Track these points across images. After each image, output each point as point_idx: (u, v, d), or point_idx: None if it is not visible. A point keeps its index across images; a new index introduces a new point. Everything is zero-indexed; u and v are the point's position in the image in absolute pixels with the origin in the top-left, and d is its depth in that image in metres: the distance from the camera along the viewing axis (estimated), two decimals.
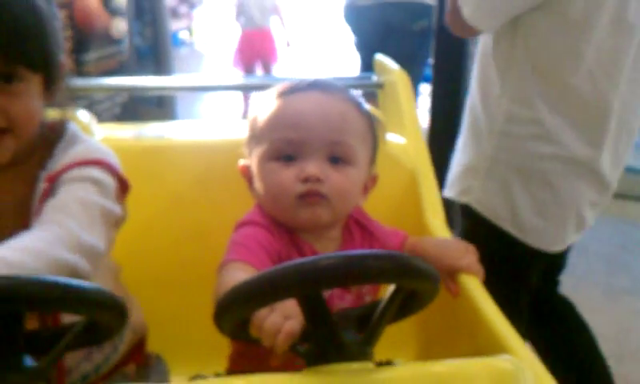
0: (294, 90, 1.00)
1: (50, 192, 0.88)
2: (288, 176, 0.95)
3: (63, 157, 0.91)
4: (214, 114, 5.27)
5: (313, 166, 0.94)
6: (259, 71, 5.00)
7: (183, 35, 8.11)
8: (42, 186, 0.89)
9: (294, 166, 0.95)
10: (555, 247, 1.49)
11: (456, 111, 2.44)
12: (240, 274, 0.85)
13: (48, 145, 0.93)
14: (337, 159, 0.96)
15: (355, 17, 3.42)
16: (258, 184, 1.00)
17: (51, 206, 0.86)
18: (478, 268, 1.00)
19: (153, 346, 1.11)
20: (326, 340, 0.69)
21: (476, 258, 1.01)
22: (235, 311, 0.71)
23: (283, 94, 1.00)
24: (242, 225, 0.99)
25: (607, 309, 2.62)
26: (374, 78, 1.33)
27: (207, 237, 1.12)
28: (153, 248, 1.16)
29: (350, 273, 0.66)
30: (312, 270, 0.66)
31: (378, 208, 1.09)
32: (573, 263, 2.91)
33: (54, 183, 0.89)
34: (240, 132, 1.07)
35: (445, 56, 2.53)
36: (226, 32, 6.05)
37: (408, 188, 1.19)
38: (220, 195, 1.18)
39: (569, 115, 1.36)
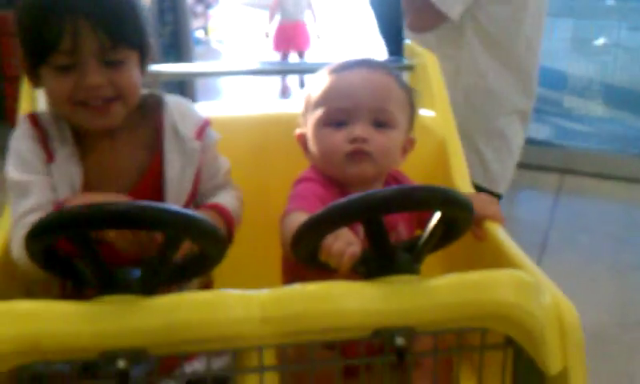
0: (345, 67, 1.19)
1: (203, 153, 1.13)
2: (339, 138, 1.14)
3: (185, 119, 1.13)
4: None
5: (360, 129, 1.13)
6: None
7: (199, 34, 8.31)
8: (192, 144, 1.11)
9: (344, 129, 1.14)
10: (506, 188, 1.86)
11: None
12: (302, 217, 1.03)
13: (155, 112, 1.12)
14: (380, 124, 1.15)
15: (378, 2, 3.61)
16: (313, 147, 1.19)
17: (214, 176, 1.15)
18: (501, 216, 1.17)
19: None
20: (383, 256, 0.87)
21: (498, 208, 1.19)
22: (312, 236, 0.89)
23: (335, 71, 1.19)
24: (299, 181, 1.18)
25: (613, 283, 2.77)
26: (405, 61, 1.51)
27: (266, 199, 1.28)
28: None
29: (406, 200, 0.84)
30: (375, 199, 0.84)
31: (411, 172, 1.28)
32: (580, 242, 3.09)
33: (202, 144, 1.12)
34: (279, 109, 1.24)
35: None
36: (241, 30, 6.31)
37: (438, 155, 1.37)
38: (275, 163, 1.36)
39: (513, 77, 1.78)
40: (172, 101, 1.16)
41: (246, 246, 1.22)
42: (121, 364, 0.81)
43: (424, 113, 1.41)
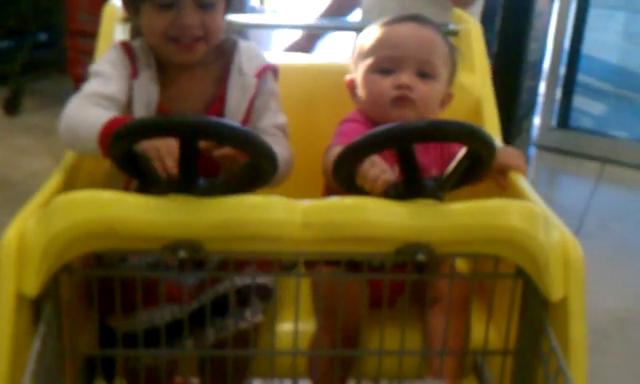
0: (396, 20, 1.32)
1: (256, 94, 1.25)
2: (386, 84, 1.28)
3: (251, 61, 1.26)
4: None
5: (405, 77, 1.26)
6: None
7: (254, 2, 8.45)
8: (250, 80, 1.24)
9: (392, 76, 1.27)
10: None
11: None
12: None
13: (228, 54, 1.27)
14: (424, 74, 1.28)
15: None
16: (361, 91, 1.32)
17: (265, 127, 1.25)
18: (525, 169, 1.28)
19: None
20: (411, 182, 1.00)
21: (524, 161, 1.30)
22: (352, 160, 1.02)
23: (387, 23, 1.32)
24: (344, 122, 1.31)
25: (621, 261, 2.90)
26: (451, 26, 1.62)
27: (313, 142, 1.37)
28: None
29: (436, 131, 0.97)
30: (407, 128, 0.97)
31: None
32: (613, 229, 3.16)
33: (259, 82, 1.25)
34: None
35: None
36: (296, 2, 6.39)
37: (474, 111, 1.48)
38: (324, 110, 1.48)
39: None
40: (245, 46, 1.29)
41: (294, 185, 1.33)
42: (181, 253, 0.95)
43: (464, 74, 1.53)
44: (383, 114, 1.28)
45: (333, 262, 1.18)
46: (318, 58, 1.65)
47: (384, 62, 1.29)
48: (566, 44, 3.92)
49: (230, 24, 1.35)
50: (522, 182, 1.24)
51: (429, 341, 1.22)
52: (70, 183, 1.14)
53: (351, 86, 1.36)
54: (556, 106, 4.00)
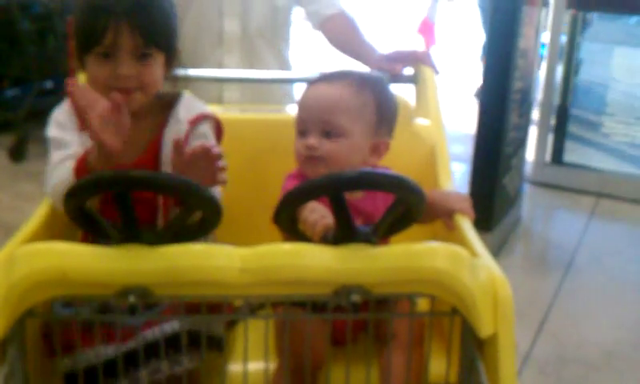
0: (313, 81, 1.41)
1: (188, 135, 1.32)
2: (300, 144, 1.37)
3: (188, 110, 1.35)
4: None
5: (311, 139, 1.35)
6: None
7: None
8: (183, 126, 1.33)
9: (303, 138, 1.36)
10: None
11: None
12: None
13: (169, 106, 1.36)
14: (329, 133, 1.35)
15: None
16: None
17: None
18: (470, 211, 1.36)
19: None
20: (345, 226, 1.08)
21: (470, 204, 1.37)
22: (289, 206, 1.10)
23: (309, 84, 1.41)
24: (288, 177, 1.41)
25: (635, 304, 2.92)
26: (406, 74, 1.72)
27: (268, 190, 1.43)
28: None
29: (364, 180, 1.06)
30: (338, 177, 1.06)
31: (402, 172, 1.47)
32: (606, 263, 3.20)
33: (192, 127, 1.33)
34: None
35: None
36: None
37: (428, 158, 1.57)
38: (277, 161, 1.54)
39: None
40: (187, 98, 1.39)
41: (252, 235, 1.38)
42: (131, 298, 1.04)
43: (419, 121, 1.62)
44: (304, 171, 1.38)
45: (293, 304, 1.26)
46: (269, 111, 1.77)
47: (298, 123, 1.39)
48: (558, 79, 4.00)
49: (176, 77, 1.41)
50: (466, 224, 1.32)
51: (383, 376, 1.30)
52: (37, 237, 1.24)
53: None
54: (549, 142, 4.06)
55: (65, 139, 1.30)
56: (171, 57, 1.34)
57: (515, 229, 3.54)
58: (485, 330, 1.09)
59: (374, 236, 1.10)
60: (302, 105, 1.39)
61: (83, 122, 1.29)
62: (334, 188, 1.06)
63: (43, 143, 1.71)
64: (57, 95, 4.32)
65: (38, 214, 1.29)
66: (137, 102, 1.30)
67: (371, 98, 1.39)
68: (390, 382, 1.27)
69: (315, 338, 1.25)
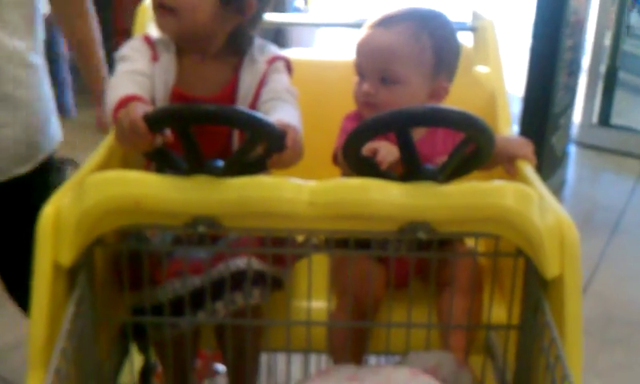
0: (370, 25, 1.38)
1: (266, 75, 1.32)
2: (358, 89, 1.37)
3: (263, 52, 1.35)
4: None
5: (367, 85, 1.35)
6: None
7: (299, 3, 8.56)
8: (260, 65, 1.33)
9: (361, 82, 1.36)
10: None
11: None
12: None
13: (243, 47, 1.35)
14: (386, 80, 1.34)
15: None
16: None
17: (276, 90, 1.31)
18: (533, 157, 1.34)
19: None
20: (411, 163, 1.08)
21: (532, 150, 1.36)
22: (356, 141, 1.10)
23: (367, 27, 1.38)
24: (346, 118, 1.41)
25: None
26: (467, 24, 1.69)
27: (329, 130, 1.44)
28: None
29: (432, 116, 1.05)
30: (406, 113, 1.05)
31: None
32: (625, 221, 3.15)
33: (268, 67, 1.33)
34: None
35: None
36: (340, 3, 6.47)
37: (488, 104, 1.55)
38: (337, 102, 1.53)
39: None
40: (259, 42, 1.38)
41: (310, 174, 1.41)
42: (200, 228, 1.05)
43: (479, 68, 1.60)
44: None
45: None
46: (331, 53, 1.75)
47: (357, 67, 1.38)
48: (607, 41, 3.92)
49: (268, 22, 1.41)
50: (529, 170, 1.30)
51: (442, 319, 1.30)
52: (105, 165, 1.25)
53: None
54: (597, 104, 4.00)
55: (133, 55, 1.30)
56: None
57: (562, 189, 3.51)
58: (551, 270, 1.08)
59: (439, 175, 1.09)
60: (360, 50, 1.37)
61: (155, 55, 1.32)
62: (402, 123, 1.05)
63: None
64: None
65: (105, 144, 1.31)
66: (169, 26, 1.29)
67: (430, 43, 1.36)
68: (451, 327, 1.27)
69: (376, 279, 1.26)
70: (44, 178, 1.62)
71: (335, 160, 1.36)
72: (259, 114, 1.08)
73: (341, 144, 1.33)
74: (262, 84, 1.33)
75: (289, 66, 1.39)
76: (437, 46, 1.37)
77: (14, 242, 1.57)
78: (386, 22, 1.37)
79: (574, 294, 1.09)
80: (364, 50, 1.37)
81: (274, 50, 1.39)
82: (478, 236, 1.14)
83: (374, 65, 1.34)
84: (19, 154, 1.55)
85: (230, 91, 1.33)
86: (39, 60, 1.59)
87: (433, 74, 1.37)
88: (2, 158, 1.52)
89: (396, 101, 1.33)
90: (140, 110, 1.07)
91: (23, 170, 1.57)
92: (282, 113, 1.21)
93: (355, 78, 1.39)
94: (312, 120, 1.32)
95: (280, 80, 1.34)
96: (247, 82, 1.32)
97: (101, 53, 1.75)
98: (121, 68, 1.28)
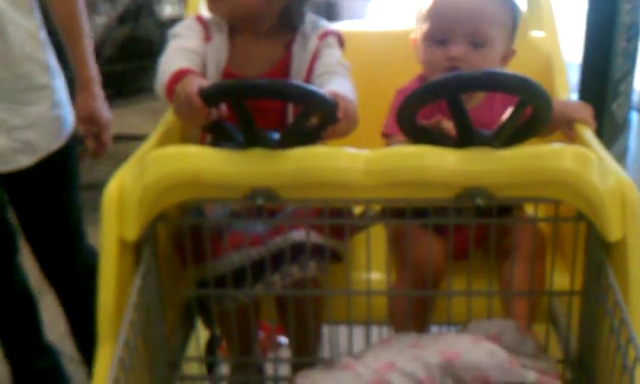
0: None
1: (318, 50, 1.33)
2: (439, 55, 1.33)
3: (315, 28, 1.35)
4: None
5: (456, 49, 1.31)
6: None
7: None
8: (312, 41, 1.33)
9: (444, 47, 1.32)
10: None
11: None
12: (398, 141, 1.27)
13: (294, 24, 1.36)
14: (477, 43, 1.32)
15: None
16: (420, 56, 1.38)
17: (329, 63, 1.32)
18: (592, 121, 1.32)
19: None
20: (465, 129, 1.07)
21: (591, 113, 1.33)
22: (410, 107, 1.09)
23: None
24: (398, 93, 1.39)
25: None
26: None
27: (382, 102, 1.42)
28: None
29: (485, 80, 1.04)
30: (458, 78, 1.04)
31: None
32: None
33: (320, 43, 1.33)
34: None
35: None
36: None
37: (544, 69, 1.52)
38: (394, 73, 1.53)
39: None
40: (311, 17, 1.38)
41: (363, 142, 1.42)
42: (259, 201, 1.07)
43: (534, 33, 1.57)
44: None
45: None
46: (383, 24, 1.74)
47: (437, 31, 1.33)
48: None
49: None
50: (588, 134, 1.28)
51: (503, 287, 1.29)
52: (165, 140, 1.27)
53: (415, 45, 1.41)
54: None
55: (187, 34, 1.33)
56: None
57: (623, 157, 3.42)
58: (614, 233, 1.06)
59: (495, 140, 1.08)
60: (442, 12, 1.33)
61: (208, 36, 1.34)
62: (454, 89, 1.04)
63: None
64: None
65: (164, 120, 1.33)
66: (221, 10, 1.33)
67: (510, 4, 1.37)
68: (513, 294, 1.26)
69: (435, 250, 1.26)
70: (70, 151, 1.68)
71: (385, 136, 1.36)
72: (310, 86, 1.09)
73: (389, 122, 1.33)
74: (314, 59, 1.34)
75: (340, 40, 1.39)
76: (515, 7, 1.38)
77: (48, 218, 1.66)
78: None
79: (637, 256, 1.07)
80: (448, 11, 1.32)
81: (325, 25, 1.39)
82: (538, 201, 1.12)
83: (462, 27, 1.31)
84: (53, 129, 1.61)
85: (282, 68, 1.34)
86: (46, 37, 1.63)
87: (511, 36, 1.38)
88: (40, 136, 1.58)
89: (484, 64, 1.31)
90: (195, 84, 1.09)
91: (56, 145, 1.63)
92: (334, 85, 1.22)
93: (423, 45, 1.36)
94: (365, 91, 1.32)
95: (332, 54, 1.35)
96: (299, 58, 1.33)
97: (87, 32, 1.68)
98: (173, 44, 1.31)
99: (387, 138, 1.35)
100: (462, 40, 1.31)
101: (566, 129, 1.32)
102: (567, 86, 1.49)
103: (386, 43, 1.66)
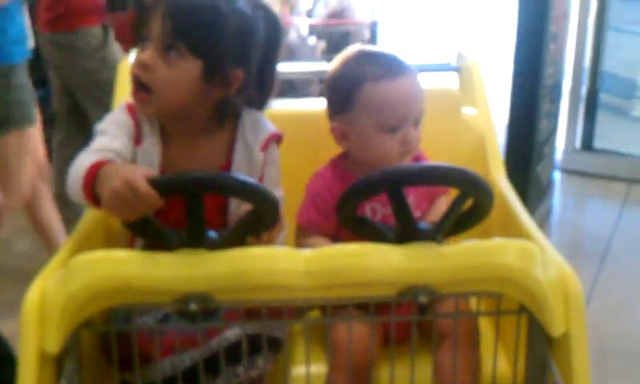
0: (391, 75, 1.31)
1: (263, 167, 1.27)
2: (394, 142, 1.31)
3: (256, 132, 1.27)
4: None
5: (411, 133, 1.31)
6: None
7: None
8: (257, 154, 1.26)
9: (398, 134, 1.30)
10: None
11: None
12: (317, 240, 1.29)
13: (232, 123, 1.27)
14: (417, 123, 1.33)
15: None
16: (363, 148, 1.34)
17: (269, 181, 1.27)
18: None
19: None
20: (407, 224, 1.04)
21: None
22: (349, 203, 1.06)
23: (384, 78, 1.31)
24: (317, 176, 1.39)
25: None
26: (453, 64, 1.68)
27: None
28: None
29: (427, 174, 1.02)
30: (400, 171, 1.02)
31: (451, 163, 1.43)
32: (615, 247, 3.12)
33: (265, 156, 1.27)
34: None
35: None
36: None
37: (477, 147, 1.52)
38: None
39: None
40: (248, 116, 1.29)
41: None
42: (192, 306, 1.01)
43: (467, 111, 1.58)
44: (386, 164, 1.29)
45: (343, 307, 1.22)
46: (296, 104, 1.74)
47: (391, 120, 1.31)
48: (586, 64, 3.93)
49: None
50: (524, 217, 1.28)
51: (439, 377, 1.25)
52: (85, 246, 1.19)
53: (339, 133, 1.37)
54: (579, 129, 4.00)
55: (115, 132, 1.20)
56: (212, 69, 1.18)
57: (548, 218, 3.48)
58: (557, 328, 1.05)
59: (437, 234, 1.06)
60: (394, 102, 1.30)
61: (139, 138, 1.23)
62: (397, 183, 1.02)
63: None
64: None
65: (84, 221, 1.26)
66: (147, 106, 1.20)
67: None
68: (444, 381, 1.23)
69: (369, 338, 1.22)
70: None
71: (302, 228, 1.35)
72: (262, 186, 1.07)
73: (308, 214, 1.33)
74: (262, 176, 1.28)
75: (279, 140, 1.33)
76: None
77: None
78: (401, 70, 1.34)
79: (581, 350, 1.06)
80: (401, 99, 1.31)
81: (265, 125, 1.30)
82: (480, 295, 1.10)
83: (415, 111, 1.32)
84: None
85: None
86: None
87: None
88: None
89: (420, 140, 1.35)
90: (133, 169, 1.02)
91: None
92: None
93: (372, 135, 1.32)
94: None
95: (273, 173, 1.31)
96: (241, 169, 1.25)
97: None
98: (94, 144, 1.18)
99: (304, 230, 1.34)
100: (410, 124, 1.32)
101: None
102: (501, 166, 1.50)
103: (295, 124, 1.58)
